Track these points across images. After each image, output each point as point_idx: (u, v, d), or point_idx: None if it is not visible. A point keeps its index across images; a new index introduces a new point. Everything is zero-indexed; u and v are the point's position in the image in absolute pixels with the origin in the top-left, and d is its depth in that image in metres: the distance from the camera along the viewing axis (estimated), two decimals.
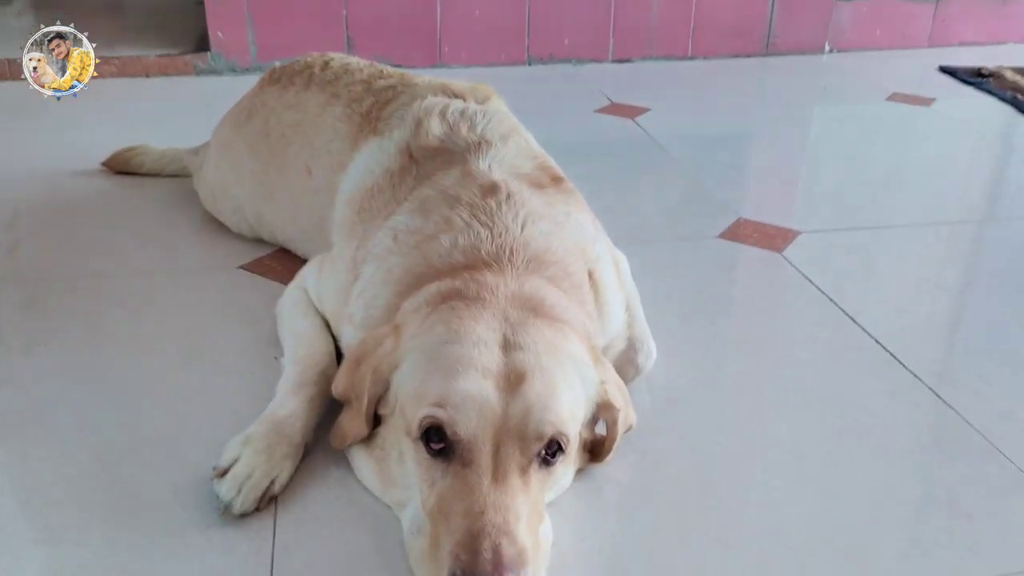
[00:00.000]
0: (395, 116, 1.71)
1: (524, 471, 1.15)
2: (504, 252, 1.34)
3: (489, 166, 1.52)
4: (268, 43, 3.53)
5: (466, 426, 1.12)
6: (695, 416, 1.55)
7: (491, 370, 1.16)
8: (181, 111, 3.05)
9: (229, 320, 1.78)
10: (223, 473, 1.28)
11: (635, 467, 1.40)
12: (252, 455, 1.29)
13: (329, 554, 1.22)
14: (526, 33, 3.80)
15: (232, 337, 1.71)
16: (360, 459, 1.32)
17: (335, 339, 1.54)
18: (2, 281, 1.91)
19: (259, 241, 2.10)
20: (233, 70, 3.55)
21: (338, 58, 2.05)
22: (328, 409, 1.41)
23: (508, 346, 1.20)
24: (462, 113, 1.66)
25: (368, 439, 1.31)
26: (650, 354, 1.60)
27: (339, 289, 1.52)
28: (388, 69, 1.98)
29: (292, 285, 1.71)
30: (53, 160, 2.44)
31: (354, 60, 2.05)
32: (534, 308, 1.27)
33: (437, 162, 1.55)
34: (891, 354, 1.74)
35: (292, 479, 1.32)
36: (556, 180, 1.59)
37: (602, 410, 1.29)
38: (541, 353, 1.20)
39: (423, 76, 1.92)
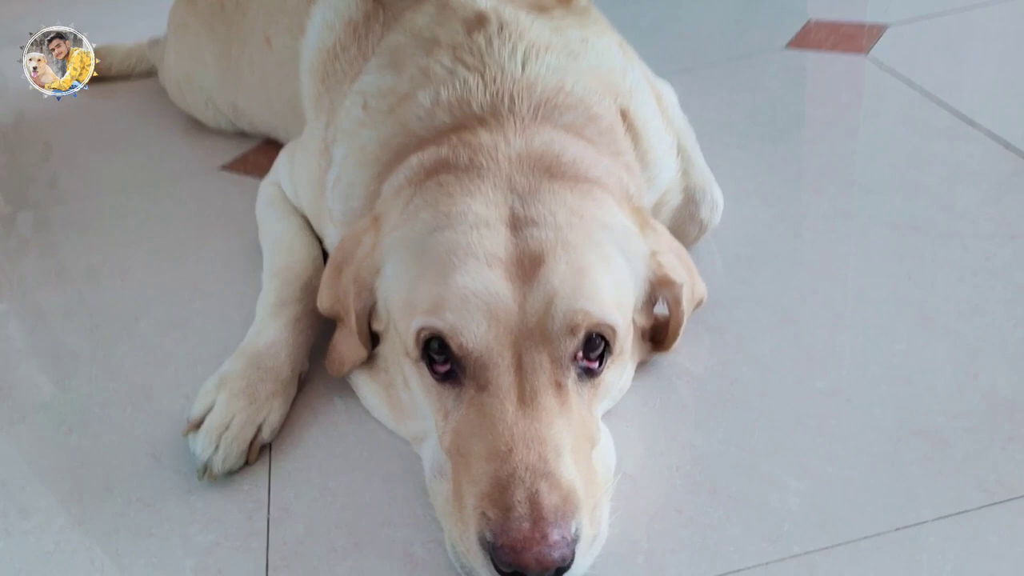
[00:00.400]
0: None
1: (560, 386, 0.94)
2: (502, 101, 1.11)
3: None
4: None
5: (473, 335, 0.92)
6: (781, 276, 1.33)
7: (498, 257, 0.95)
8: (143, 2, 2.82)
9: (212, 231, 1.63)
10: (198, 425, 1.11)
11: (712, 351, 1.20)
12: (228, 399, 1.12)
13: (338, 511, 1.04)
14: None
15: (216, 251, 1.56)
16: (365, 387, 1.15)
17: (321, 241, 1.35)
18: None
19: (242, 135, 1.92)
20: None
21: None
22: (322, 328, 1.23)
23: (518, 223, 0.98)
24: None
25: (371, 361, 1.13)
26: (715, 205, 1.37)
27: (313, 180, 1.30)
28: None
29: (265, 180, 1.52)
30: (10, 73, 2.24)
31: None
32: (548, 168, 1.05)
33: None
34: None
35: (286, 420, 1.15)
36: None
37: (659, 287, 1.09)
38: (563, 226, 0.98)
39: None
